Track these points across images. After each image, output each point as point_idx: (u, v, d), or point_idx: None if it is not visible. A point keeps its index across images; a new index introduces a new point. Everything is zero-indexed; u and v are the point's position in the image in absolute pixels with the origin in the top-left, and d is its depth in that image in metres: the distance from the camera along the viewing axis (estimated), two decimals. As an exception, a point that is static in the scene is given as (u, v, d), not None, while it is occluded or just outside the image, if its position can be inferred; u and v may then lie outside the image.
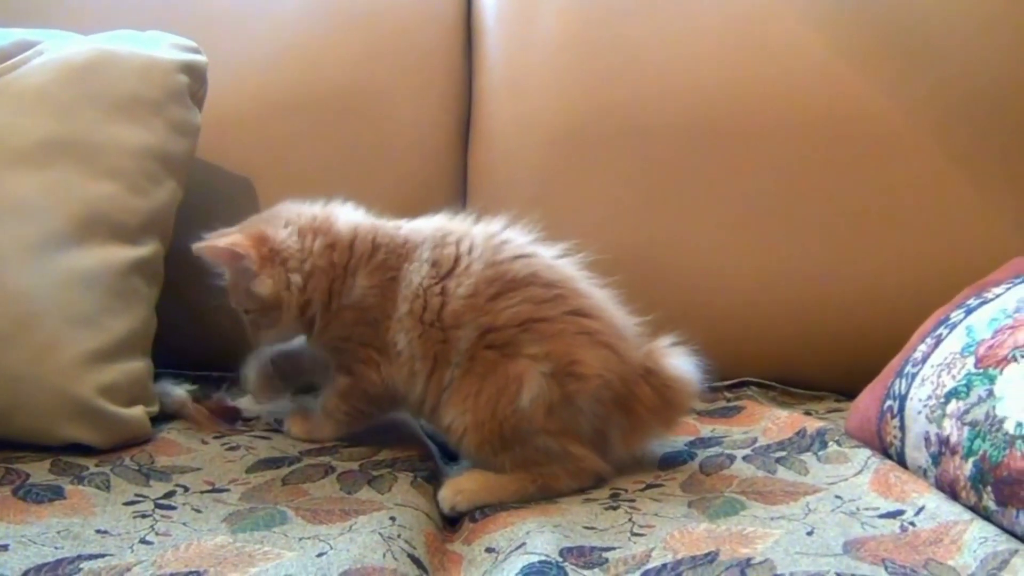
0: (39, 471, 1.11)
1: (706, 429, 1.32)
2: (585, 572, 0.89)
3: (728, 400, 1.45)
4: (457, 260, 1.16)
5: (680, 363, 1.16)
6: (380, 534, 0.94)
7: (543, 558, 0.90)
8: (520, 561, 0.89)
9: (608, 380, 1.12)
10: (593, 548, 0.94)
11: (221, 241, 1.18)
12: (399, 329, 1.17)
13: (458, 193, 1.61)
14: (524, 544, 0.94)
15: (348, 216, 1.25)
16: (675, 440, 1.27)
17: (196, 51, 1.42)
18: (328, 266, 1.19)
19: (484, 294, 1.13)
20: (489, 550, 0.96)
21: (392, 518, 0.99)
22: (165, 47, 1.40)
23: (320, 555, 0.90)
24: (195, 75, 1.40)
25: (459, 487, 1.11)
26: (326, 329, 1.21)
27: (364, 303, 1.18)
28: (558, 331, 1.12)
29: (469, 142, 1.65)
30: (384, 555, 0.90)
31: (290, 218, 1.22)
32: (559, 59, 1.61)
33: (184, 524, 0.99)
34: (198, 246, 1.18)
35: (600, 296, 1.18)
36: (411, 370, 1.17)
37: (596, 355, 1.12)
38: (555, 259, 1.20)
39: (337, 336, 1.21)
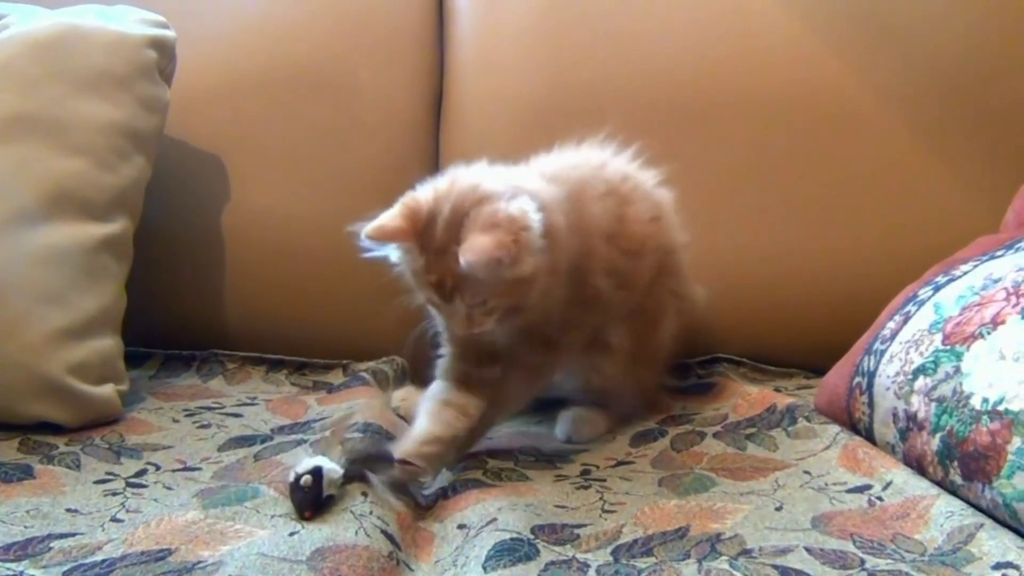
0: (7, 450, 1.11)
1: (677, 406, 1.33)
2: (556, 548, 0.89)
3: (700, 377, 1.46)
4: (619, 188, 1.23)
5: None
6: (352, 511, 0.94)
7: (515, 535, 0.90)
8: (492, 538, 0.89)
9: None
10: (564, 525, 0.94)
11: (484, 247, 1.02)
12: (603, 274, 1.18)
13: (430, 170, 1.60)
14: (495, 520, 0.94)
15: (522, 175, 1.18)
16: (646, 417, 1.28)
17: (165, 26, 1.41)
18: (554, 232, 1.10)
19: (656, 216, 1.26)
20: (461, 526, 0.96)
21: (364, 494, 0.99)
22: (133, 22, 1.38)
23: (292, 533, 0.89)
24: (164, 50, 1.39)
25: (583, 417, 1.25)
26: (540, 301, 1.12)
27: (574, 261, 1.14)
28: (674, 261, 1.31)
29: (441, 119, 1.64)
30: (357, 532, 0.90)
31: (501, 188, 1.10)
32: (531, 36, 1.61)
33: (155, 500, 0.99)
34: (468, 260, 1.01)
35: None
36: (612, 302, 1.21)
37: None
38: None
39: (550, 304, 1.13)
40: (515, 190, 1.08)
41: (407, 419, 1.24)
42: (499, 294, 1.06)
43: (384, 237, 1.07)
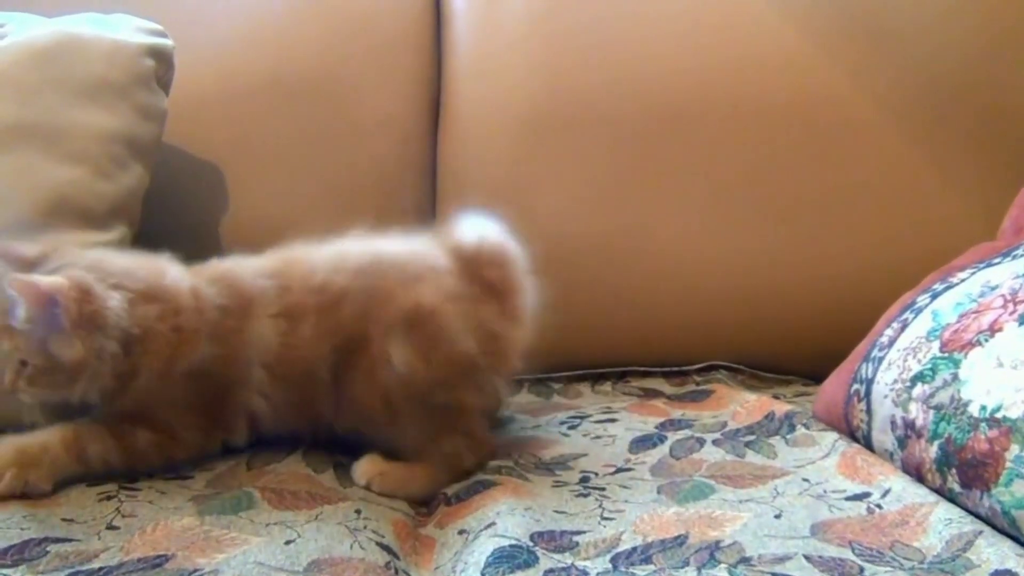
0: (4, 457, 1.10)
1: (676, 413, 1.32)
2: (555, 556, 0.89)
3: (698, 384, 1.46)
4: (287, 306, 1.09)
5: (481, 234, 1.14)
6: (346, 526, 0.94)
7: (514, 542, 0.90)
8: (491, 544, 0.89)
9: (446, 290, 1.10)
10: (563, 532, 0.94)
11: (44, 281, 0.97)
12: (252, 394, 1.09)
13: (427, 177, 1.61)
14: (494, 524, 0.94)
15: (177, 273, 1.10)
16: (645, 423, 1.28)
17: (163, 35, 1.41)
18: (168, 331, 1.04)
19: (328, 320, 1.09)
20: (461, 532, 0.96)
21: (357, 511, 0.99)
22: (131, 31, 1.38)
23: (288, 543, 0.89)
24: (162, 59, 1.39)
25: (381, 469, 1.09)
26: (142, 395, 1.05)
27: (204, 369, 1.06)
28: (383, 297, 1.08)
29: (438, 125, 1.64)
30: (351, 546, 0.90)
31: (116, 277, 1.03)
32: (528, 43, 1.61)
33: (150, 503, 0.98)
34: (16, 278, 0.97)
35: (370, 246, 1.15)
36: (279, 416, 1.12)
37: (422, 286, 1.09)
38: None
39: (161, 400, 1.06)
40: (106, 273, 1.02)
41: None
42: (37, 363, 1.00)
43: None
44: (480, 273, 1.13)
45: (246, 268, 1.12)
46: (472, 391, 1.13)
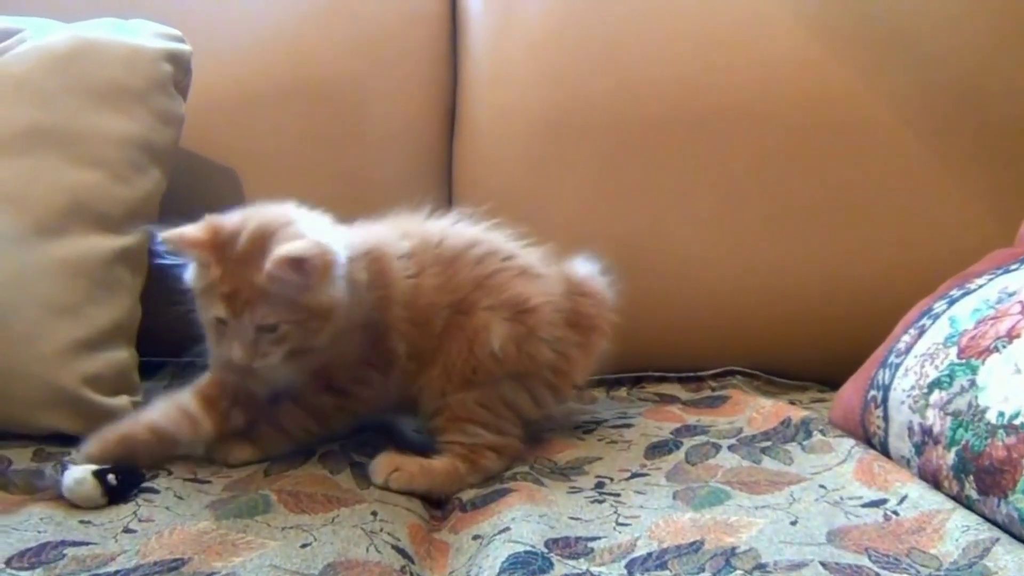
0: (22, 460, 1.11)
1: (692, 418, 1.32)
2: (570, 562, 0.89)
3: (713, 389, 1.46)
4: (413, 255, 1.17)
5: (590, 272, 1.27)
6: (362, 529, 0.94)
7: (529, 548, 0.90)
8: (505, 550, 0.89)
9: (554, 302, 1.19)
10: (578, 539, 0.94)
11: (294, 247, 1.03)
12: (398, 337, 1.14)
13: (443, 183, 1.61)
14: (509, 529, 0.94)
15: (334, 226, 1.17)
16: (660, 429, 1.27)
17: (180, 40, 1.42)
18: (354, 281, 1.10)
19: (446, 276, 1.16)
20: (476, 537, 0.96)
21: (374, 512, 0.99)
22: (149, 36, 1.39)
23: (304, 546, 0.90)
24: (179, 64, 1.40)
25: (398, 463, 1.11)
26: (327, 349, 1.10)
27: (371, 318, 1.13)
28: (501, 280, 1.17)
29: (454, 132, 1.65)
30: (367, 549, 0.90)
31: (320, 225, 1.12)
32: (543, 50, 1.61)
33: (167, 508, 0.99)
34: (274, 261, 1.01)
35: (503, 239, 1.23)
36: (407, 371, 1.16)
37: (536, 286, 1.19)
38: (454, 224, 1.23)
39: (338, 355, 1.12)
40: (319, 228, 1.10)
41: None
42: (292, 319, 1.04)
43: (182, 245, 1.05)
44: (578, 302, 1.23)
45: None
46: (524, 395, 1.19)
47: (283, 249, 1.01)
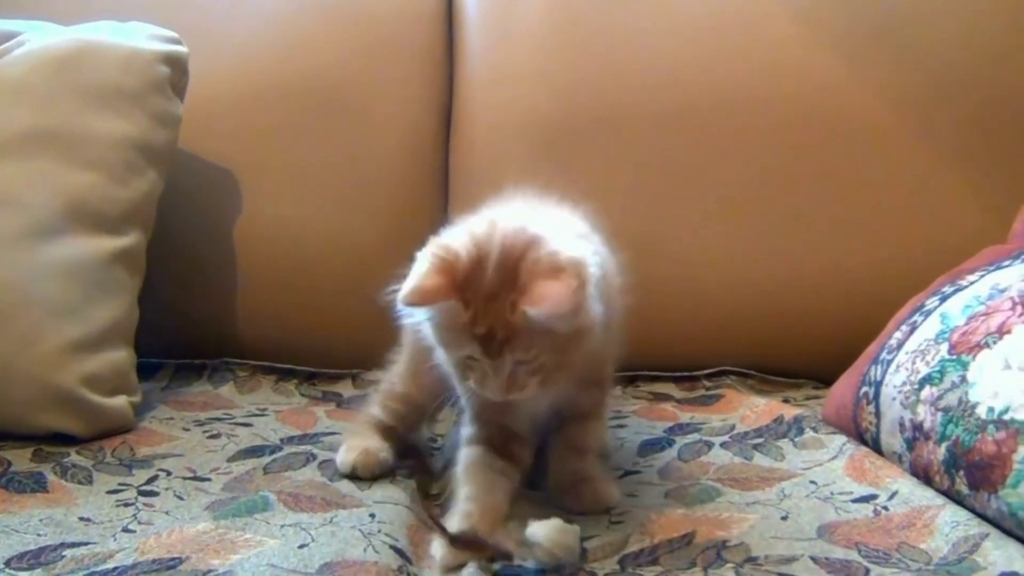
0: (21, 460, 1.12)
1: (685, 416, 1.33)
2: (564, 558, 0.90)
3: (707, 388, 1.47)
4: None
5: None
6: (360, 530, 0.95)
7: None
8: (500, 547, 0.90)
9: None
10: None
11: (554, 296, 0.89)
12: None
13: (439, 184, 1.62)
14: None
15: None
16: (653, 427, 1.28)
17: (177, 42, 1.43)
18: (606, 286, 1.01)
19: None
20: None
21: (372, 515, 0.99)
22: (146, 38, 1.40)
23: (302, 546, 0.90)
24: (176, 66, 1.41)
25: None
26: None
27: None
28: None
29: (450, 134, 1.65)
30: (365, 549, 0.90)
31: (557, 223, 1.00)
32: (540, 50, 1.62)
33: (166, 512, 1.00)
34: (540, 310, 0.88)
35: None
36: None
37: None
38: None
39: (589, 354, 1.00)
40: (564, 232, 0.97)
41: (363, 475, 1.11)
42: (553, 347, 0.92)
43: (425, 300, 0.91)
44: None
45: None
46: None
47: (545, 295, 0.89)
